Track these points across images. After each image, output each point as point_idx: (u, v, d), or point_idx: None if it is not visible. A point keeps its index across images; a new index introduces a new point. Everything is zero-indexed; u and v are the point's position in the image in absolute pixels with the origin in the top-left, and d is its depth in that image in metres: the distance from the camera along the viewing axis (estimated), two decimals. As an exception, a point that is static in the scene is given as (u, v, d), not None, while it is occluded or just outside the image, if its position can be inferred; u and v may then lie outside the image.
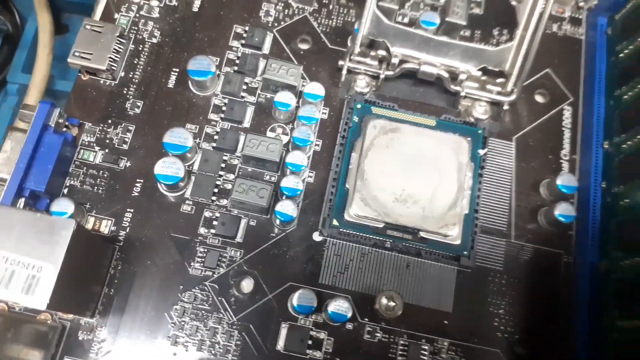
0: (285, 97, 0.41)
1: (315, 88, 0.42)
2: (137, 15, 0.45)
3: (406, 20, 0.45)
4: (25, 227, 0.30)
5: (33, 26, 0.56)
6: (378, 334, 0.39)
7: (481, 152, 0.42)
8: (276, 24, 0.46)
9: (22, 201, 0.37)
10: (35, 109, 0.38)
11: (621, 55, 0.45)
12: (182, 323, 0.37)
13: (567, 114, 0.46)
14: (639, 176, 0.40)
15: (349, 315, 0.37)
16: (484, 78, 0.44)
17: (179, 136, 0.39)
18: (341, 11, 0.47)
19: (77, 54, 0.41)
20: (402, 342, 0.39)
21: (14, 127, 0.38)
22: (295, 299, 0.37)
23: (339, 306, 0.37)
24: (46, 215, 0.31)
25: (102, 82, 0.42)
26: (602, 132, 0.44)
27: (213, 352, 0.37)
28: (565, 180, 0.42)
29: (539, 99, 0.46)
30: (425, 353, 0.39)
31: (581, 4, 0.48)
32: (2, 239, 0.30)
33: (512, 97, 0.43)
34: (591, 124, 0.45)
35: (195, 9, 0.46)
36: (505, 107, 0.44)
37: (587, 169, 0.43)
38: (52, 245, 0.30)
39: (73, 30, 0.60)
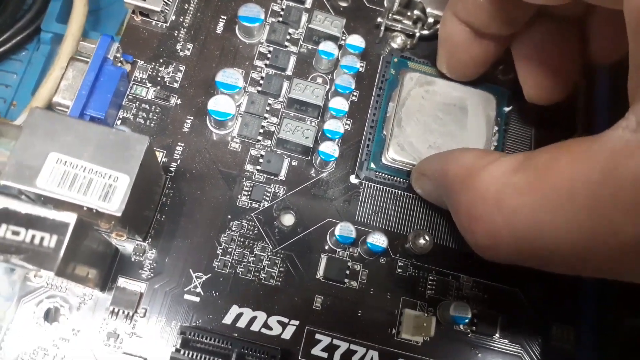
0: (328, 47, 0.44)
1: (357, 40, 0.44)
2: (186, -36, 0.46)
3: (439, -15, 0.48)
4: (101, 140, 0.32)
5: (68, -23, 0.57)
6: (409, 269, 0.42)
7: (506, 109, 0.46)
8: (318, -19, 0.48)
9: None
10: (96, 42, 0.40)
11: None
12: (230, 249, 0.40)
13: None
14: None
15: (385, 245, 0.39)
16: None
17: (231, 76, 0.41)
18: (379, -27, 0.50)
19: (132, -6, 0.43)
20: (430, 277, 0.42)
21: (75, 57, 0.40)
22: (337, 230, 0.39)
23: (377, 238, 0.40)
24: (121, 131, 0.33)
25: (153, 23, 0.44)
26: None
27: (258, 276, 0.39)
28: (582, 138, 0.45)
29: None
30: (452, 288, 0.42)
31: None
32: (80, 150, 0.32)
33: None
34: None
35: (241, -38, 0.48)
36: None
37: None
38: (127, 158, 0.32)
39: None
